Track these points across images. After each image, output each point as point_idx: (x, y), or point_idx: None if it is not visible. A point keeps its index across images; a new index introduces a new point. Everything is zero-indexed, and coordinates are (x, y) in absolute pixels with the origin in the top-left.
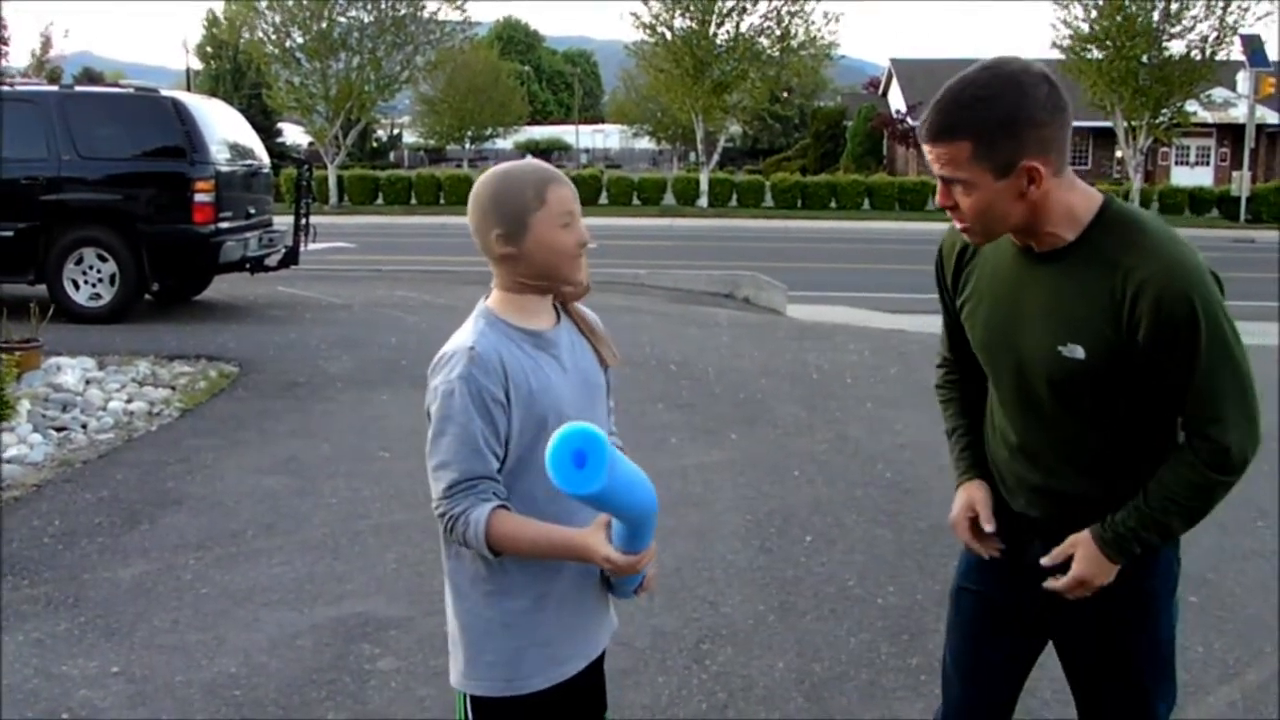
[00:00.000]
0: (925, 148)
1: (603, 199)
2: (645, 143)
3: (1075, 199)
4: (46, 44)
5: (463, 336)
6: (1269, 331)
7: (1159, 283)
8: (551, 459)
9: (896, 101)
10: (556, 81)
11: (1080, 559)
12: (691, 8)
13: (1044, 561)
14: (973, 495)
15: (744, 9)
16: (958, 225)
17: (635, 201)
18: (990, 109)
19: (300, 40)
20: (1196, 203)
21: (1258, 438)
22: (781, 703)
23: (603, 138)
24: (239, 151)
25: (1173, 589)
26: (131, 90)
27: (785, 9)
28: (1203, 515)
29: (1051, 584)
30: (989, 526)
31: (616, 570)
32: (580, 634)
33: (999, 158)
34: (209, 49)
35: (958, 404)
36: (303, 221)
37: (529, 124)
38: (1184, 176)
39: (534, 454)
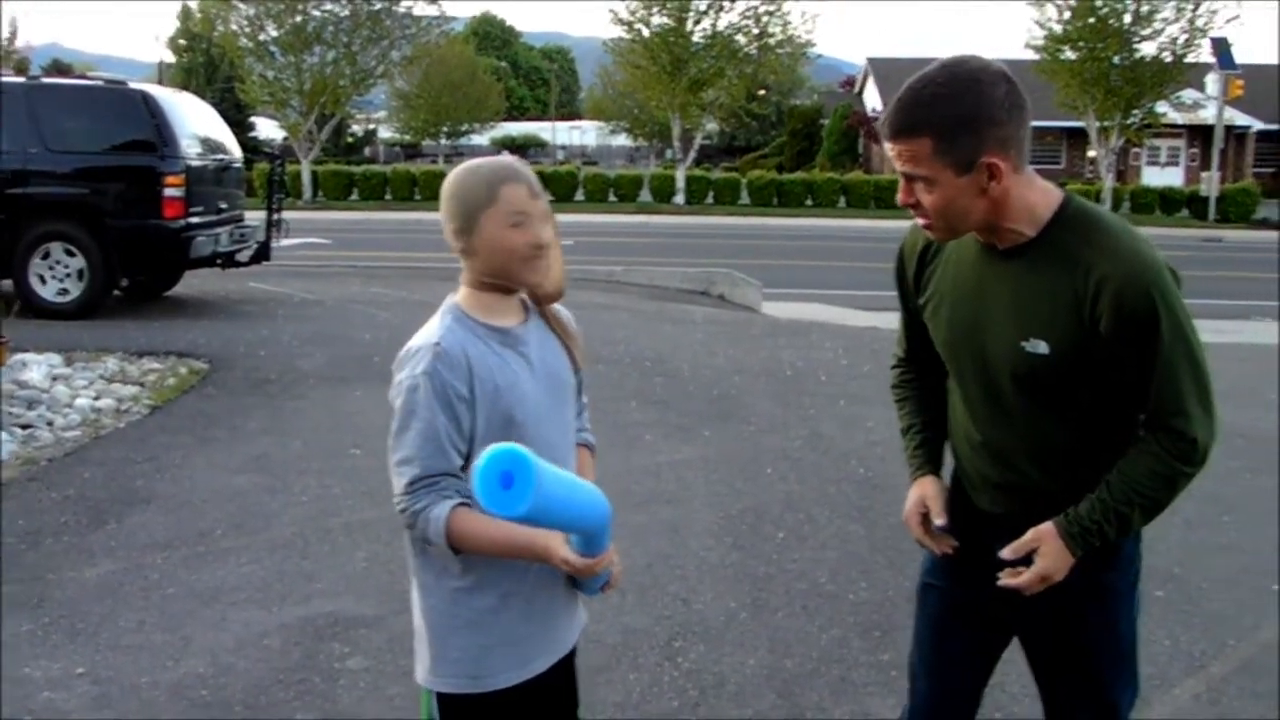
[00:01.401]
0: (887, 145)
1: (579, 195)
2: (622, 139)
3: (1035, 196)
4: (13, 34)
5: (429, 332)
6: (1240, 330)
7: (1120, 278)
8: (478, 481)
9: (872, 100)
10: (533, 77)
11: (1044, 554)
12: (669, 5)
13: (1005, 554)
14: (925, 491)
15: (721, 7)
16: (920, 223)
17: (611, 198)
18: (950, 106)
19: (274, 34)
20: (1167, 202)
21: (1216, 431)
22: (753, 699)
23: (580, 134)
24: (210, 146)
25: (1133, 582)
26: (101, 83)
27: (763, 8)
28: (1162, 508)
29: (1011, 581)
30: (939, 520)
31: (574, 572)
32: (547, 632)
33: (960, 154)
34: (182, 42)
35: (913, 402)
36: (275, 217)
37: (505, 120)
38: (1155, 176)
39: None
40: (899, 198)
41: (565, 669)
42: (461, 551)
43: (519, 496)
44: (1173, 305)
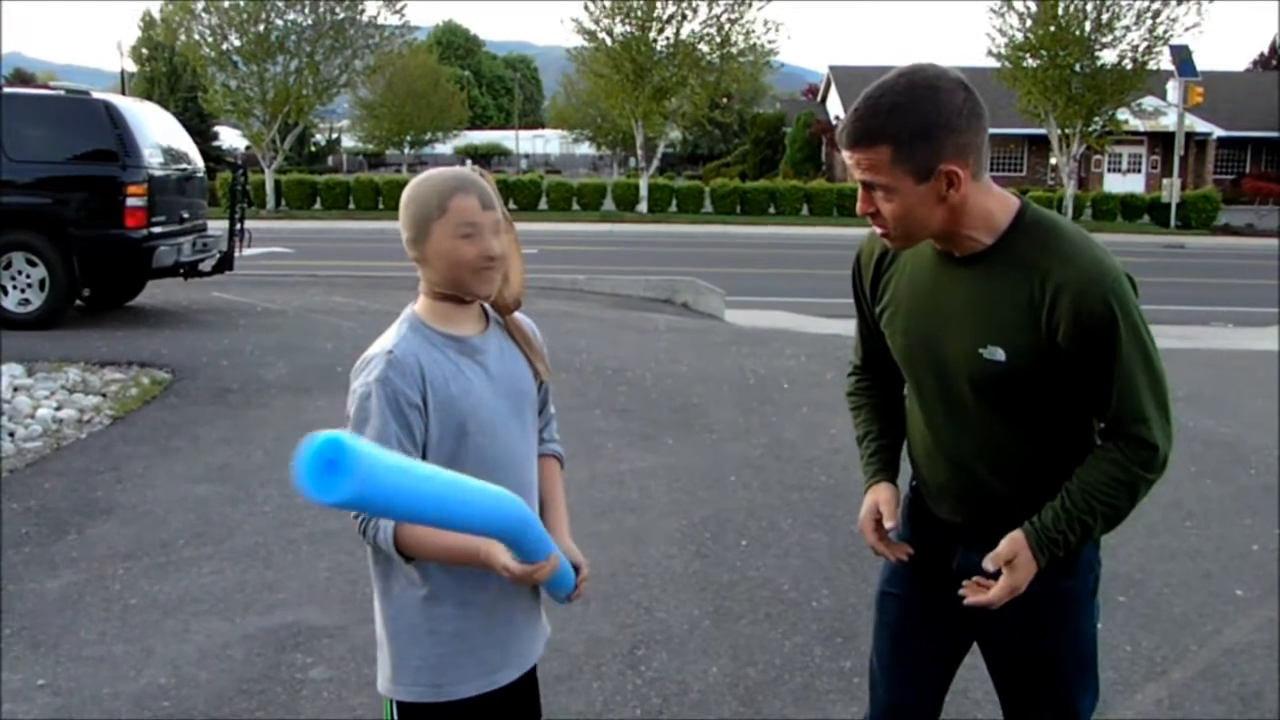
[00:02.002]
0: (845, 154)
1: (542, 204)
2: (585, 148)
3: (993, 204)
4: None
5: (385, 340)
6: (1200, 335)
7: (1077, 285)
8: (298, 466)
9: (835, 108)
10: (497, 86)
11: (1016, 565)
12: (632, 14)
13: (987, 565)
14: (879, 497)
15: (684, 16)
16: (879, 232)
17: (575, 207)
18: (908, 115)
19: (237, 43)
20: (1128, 209)
21: (1173, 438)
22: (716, 707)
23: (543, 143)
24: (173, 155)
25: (1093, 588)
26: (62, 92)
27: (725, 16)
28: (1123, 517)
29: (978, 597)
30: (889, 523)
31: (514, 579)
32: (511, 643)
33: (918, 162)
34: (145, 51)
35: (868, 410)
36: (238, 226)
37: (469, 129)
38: (1116, 183)
39: (456, 459)
40: (858, 207)
41: (528, 680)
42: (413, 558)
43: (337, 483)
44: (1130, 312)
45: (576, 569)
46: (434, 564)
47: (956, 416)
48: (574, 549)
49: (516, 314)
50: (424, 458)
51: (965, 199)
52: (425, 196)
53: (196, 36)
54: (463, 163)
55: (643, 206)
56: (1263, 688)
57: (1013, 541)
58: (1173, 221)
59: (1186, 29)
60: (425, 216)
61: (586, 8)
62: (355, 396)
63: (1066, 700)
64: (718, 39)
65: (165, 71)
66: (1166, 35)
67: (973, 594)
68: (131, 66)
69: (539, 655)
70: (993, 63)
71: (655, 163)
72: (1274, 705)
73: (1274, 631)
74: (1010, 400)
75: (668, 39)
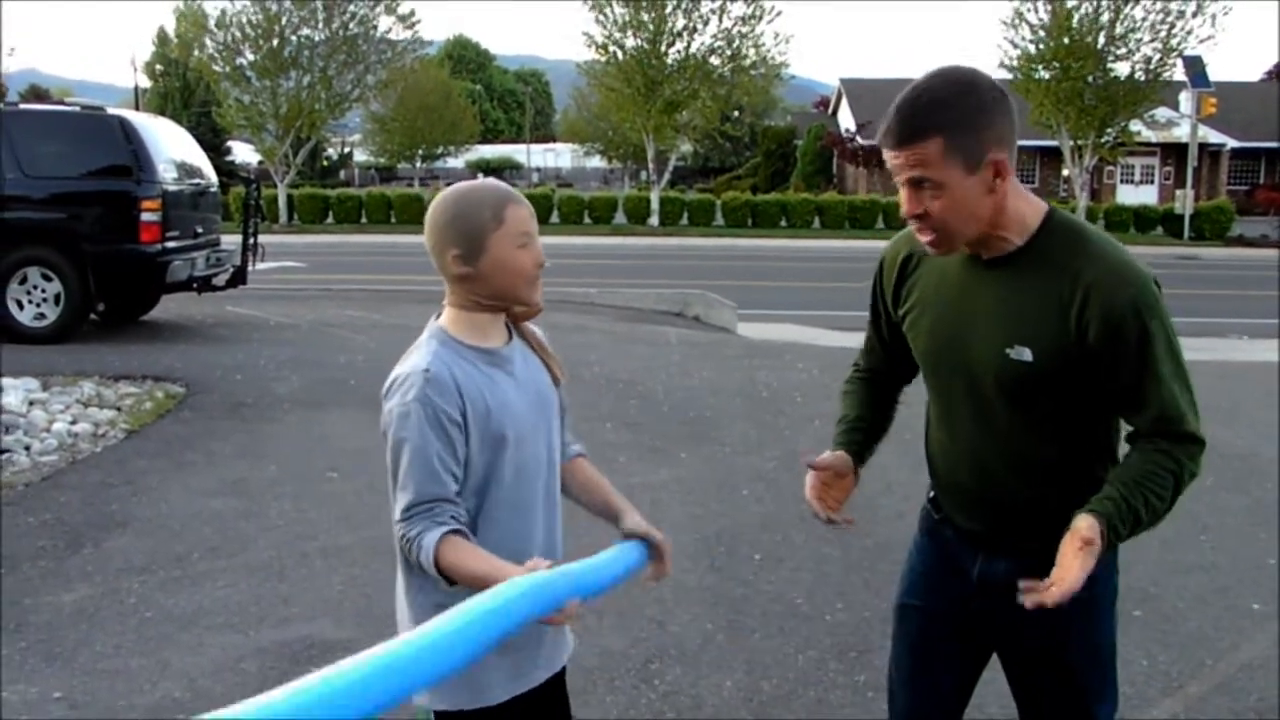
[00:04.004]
0: (892, 155)
1: (554, 218)
2: (597, 161)
3: (1024, 205)
4: None
5: (416, 358)
6: (1215, 347)
7: (1108, 286)
8: None
9: (846, 120)
10: (508, 100)
11: (1094, 547)
12: (643, 28)
13: (1070, 547)
14: (828, 457)
15: (695, 29)
16: (924, 237)
17: (586, 220)
18: (953, 108)
19: (251, 58)
20: (1141, 220)
21: (1202, 453)
22: None
23: (554, 156)
24: (186, 170)
25: (1113, 597)
26: (77, 109)
27: (736, 29)
28: (1165, 511)
29: (1047, 595)
30: (810, 458)
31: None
32: (542, 644)
33: (968, 153)
34: (158, 67)
35: (855, 396)
36: (251, 240)
37: (480, 142)
38: (1129, 195)
39: (494, 471)
40: (905, 209)
41: (558, 684)
42: (449, 576)
43: None
44: (1161, 315)
45: (650, 545)
46: None
47: (981, 419)
48: (642, 523)
49: (525, 322)
50: (466, 473)
51: (1005, 195)
52: (475, 210)
53: (210, 52)
54: (475, 177)
55: (654, 220)
56: (1277, 705)
57: (1090, 520)
58: (1186, 233)
59: (1200, 41)
60: (479, 229)
61: (598, 21)
62: (393, 417)
63: (1087, 710)
64: (728, 52)
65: (179, 87)
66: (1180, 47)
67: (1037, 596)
68: (145, 82)
69: (568, 656)
70: (1005, 75)
71: (667, 176)
72: None
73: None
74: (1036, 401)
75: (679, 52)
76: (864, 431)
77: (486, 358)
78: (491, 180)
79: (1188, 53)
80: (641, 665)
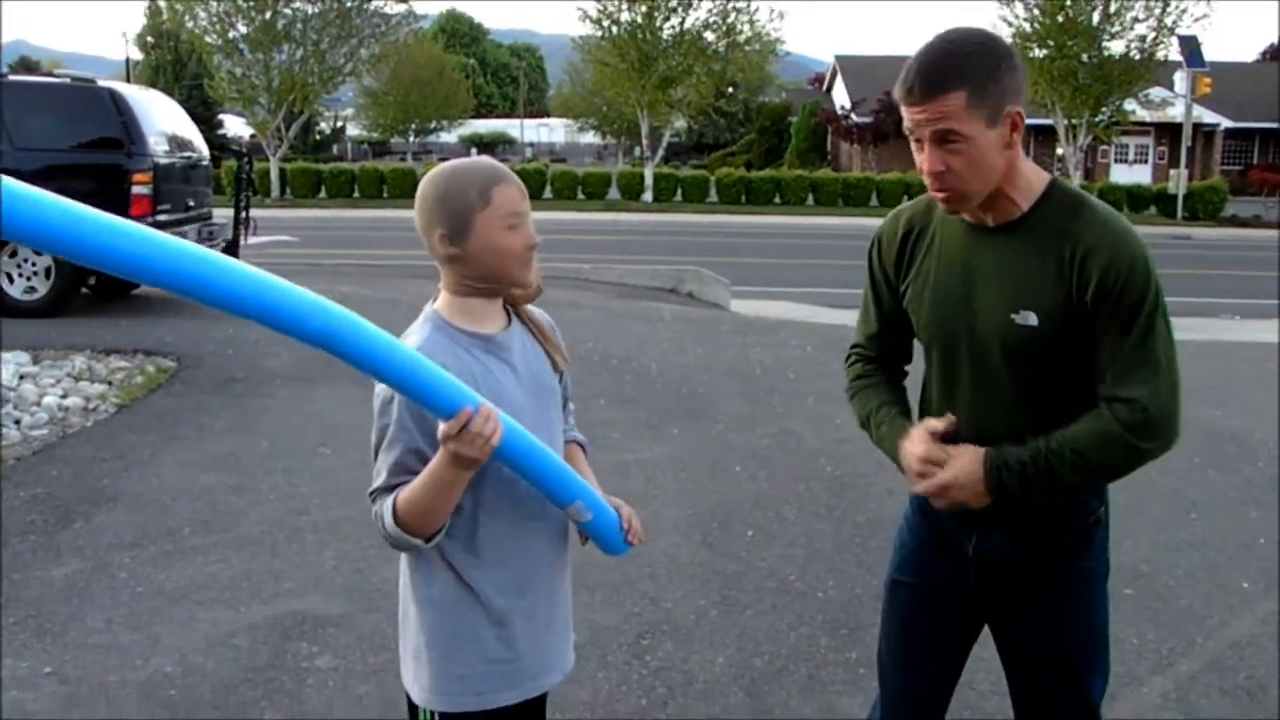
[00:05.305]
0: (915, 111)
1: (547, 193)
2: (590, 137)
3: (1028, 169)
4: None
5: (409, 342)
6: (1207, 327)
7: (1109, 246)
8: None
9: (841, 97)
10: (501, 75)
11: (958, 465)
12: (637, 2)
13: (936, 426)
14: (915, 433)
15: (690, 4)
16: (939, 195)
17: (580, 196)
18: (975, 61)
19: (244, 31)
20: (1135, 200)
21: (1174, 412)
22: (721, 697)
23: (548, 131)
24: (178, 143)
25: (1105, 572)
26: (68, 80)
27: (731, 5)
28: (1098, 473)
29: (922, 485)
30: (943, 424)
31: (449, 437)
32: (552, 649)
33: (991, 106)
34: (150, 39)
35: (880, 387)
36: (243, 215)
37: (473, 117)
38: (1123, 174)
39: (490, 461)
40: (926, 166)
41: (542, 703)
42: (410, 523)
43: None
44: (1154, 280)
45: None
46: (470, 566)
47: (984, 388)
48: (609, 497)
49: (531, 308)
50: None
51: (1016, 154)
52: (462, 189)
53: (203, 24)
54: (468, 152)
55: (648, 196)
56: (1268, 681)
57: (971, 449)
58: (1179, 213)
59: (1195, 19)
60: (466, 209)
61: None
62: (378, 400)
63: (1079, 685)
64: (723, 28)
65: (170, 59)
66: (1174, 26)
67: (915, 477)
68: (137, 54)
69: (570, 665)
70: None
71: (661, 152)
72: (1278, 699)
73: (1279, 625)
74: (1040, 367)
75: (673, 28)
76: (905, 414)
77: (482, 344)
78: (482, 159)
79: (1182, 32)
80: (633, 641)
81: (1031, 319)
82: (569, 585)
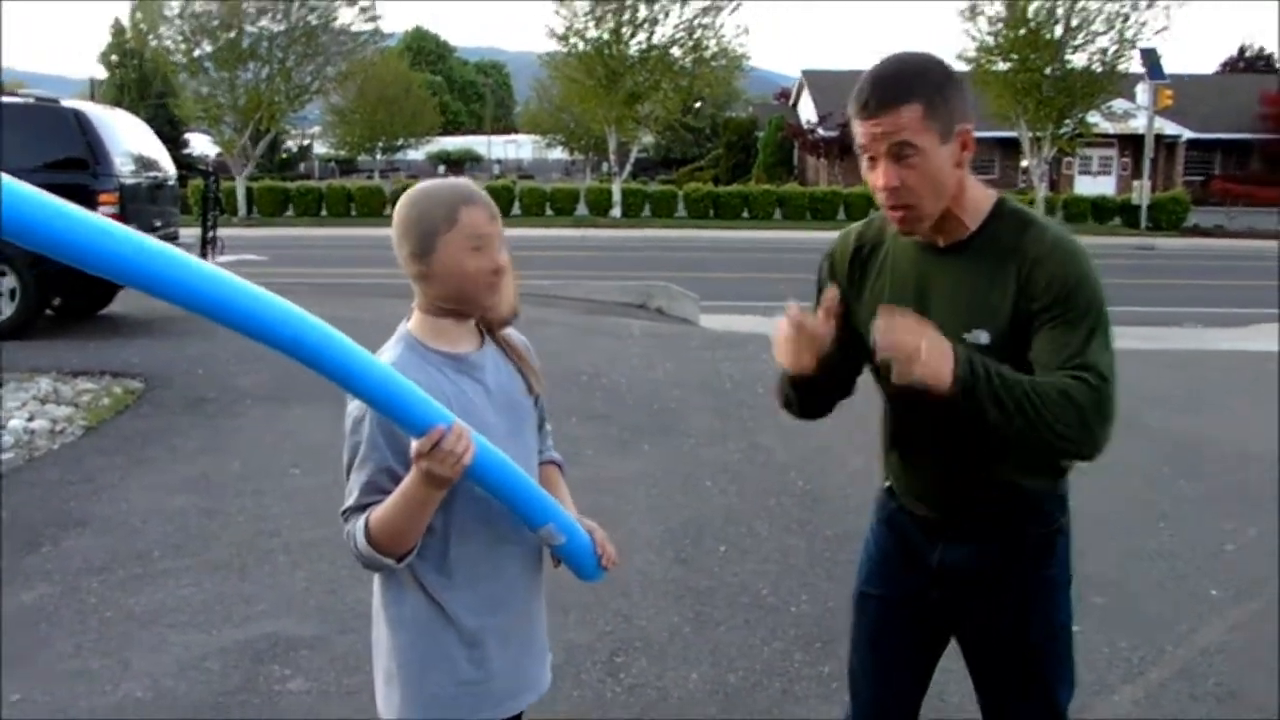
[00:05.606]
0: (870, 125)
1: (515, 209)
2: (558, 153)
3: (978, 190)
4: None
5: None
6: (1171, 336)
7: (1058, 261)
8: None
9: (807, 112)
10: (468, 92)
11: (934, 334)
12: (604, 18)
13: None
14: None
15: (656, 20)
16: (894, 214)
17: (548, 212)
18: (928, 76)
19: (209, 49)
20: (1099, 211)
21: (1112, 413)
22: (696, 713)
23: (516, 148)
24: (144, 163)
25: (1067, 580)
26: (31, 100)
27: (697, 20)
28: (1037, 426)
29: (882, 339)
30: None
31: (421, 455)
32: (528, 669)
33: (944, 121)
34: (114, 57)
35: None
36: (210, 234)
37: (441, 134)
38: (1087, 185)
39: (462, 480)
40: (881, 180)
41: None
42: (382, 542)
43: None
44: (1098, 298)
45: (593, 541)
46: (452, 590)
47: (939, 406)
48: (582, 520)
49: (508, 330)
50: None
51: (965, 174)
52: (430, 209)
53: (168, 43)
54: (436, 169)
55: (616, 211)
56: (1238, 687)
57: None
58: (1143, 223)
59: (1155, 32)
60: (431, 229)
61: (558, 13)
62: (349, 419)
63: (1045, 693)
64: (690, 43)
65: (135, 78)
66: (1135, 39)
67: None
68: (101, 73)
69: (546, 686)
70: (964, 66)
71: (629, 167)
72: (1250, 705)
73: (1249, 631)
74: None
75: (640, 44)
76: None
77: (454, 364)
78: (456, 180)
79: (1143, 45)
80: (607, 658)
81: (983, 337)
82: (544, 606)
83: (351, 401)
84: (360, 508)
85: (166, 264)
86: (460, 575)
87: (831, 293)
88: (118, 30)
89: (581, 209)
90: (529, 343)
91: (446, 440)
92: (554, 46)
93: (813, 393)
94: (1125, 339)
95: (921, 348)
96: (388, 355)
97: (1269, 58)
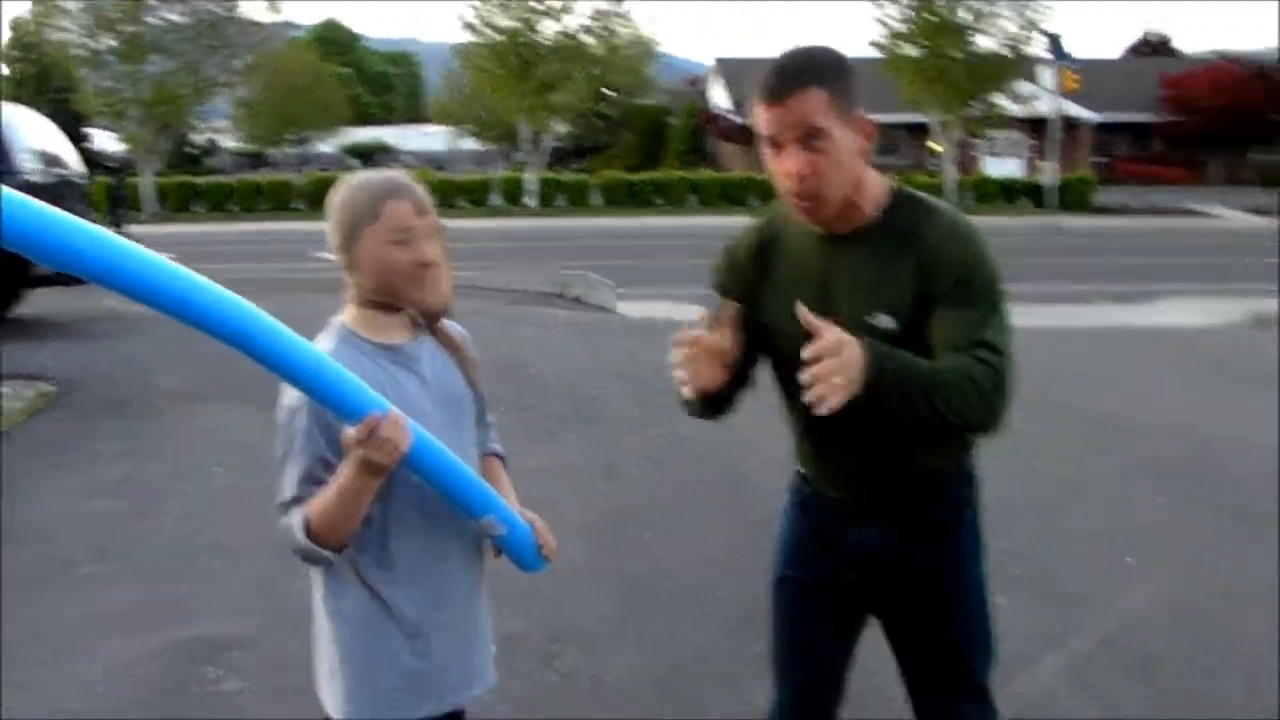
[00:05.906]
0: (777, 112)
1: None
2: (470, 144)
3: (874, 178)
4: None
5: None
6: (1083, 314)
7: (957, 243)
8: None
9: (720, 99)
10: (379, 83)
11: (846, 337)
12: (513, 7)
13: (810, 322)
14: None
15: (566, 9)
16: (801, 203)
17: (462, 203)
18: (827, 63)
19: (111, 43)
20: (1008, 192)
21: (1007, 407)
22: (631, 699)
23: (428, 139)
24: (49, 160)
25: (978, 550)
26: None
27: (611, 8)
28: (938, 407)
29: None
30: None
31: (355, 443)
32: (473, 660)
33: (844, 107)
34: (14, 52)
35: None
36: (119, 232)
37: (352, 125)
38: (995, 167)
39: (398, 471)
40: (793, 166)
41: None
42: (321, 533)
43: None
44: (997, 280)
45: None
46: (394, 583)
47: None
48: (523, 511)
49: (445, 322)
50: None
51: (863, 163)
52: (356, 201)
53: (68, 35)
54: (343, 161)
55: (530, 200)
56: (1159, 655)
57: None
58: (1050, 203)
59: (1059, 16)
60: (356, 221)
61: (472, 6)
62: (281, 411)
63: (963, 662)
64: (602, 32)
65: (34, 73)
66: (1040, 22)
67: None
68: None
69: (491, 679)
70: (874, 53)
71: (545, 157)
72: (1170, 671)
73: (1167, 601)
74: None
75: (552, 32)
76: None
77: (389, 355)
78: (387, 173)
79: (1047, 28)
80: (542, 647)
81: (888, 321)
82: (485, 599)
83: (285, 393)
84: (297, 500)
85: (113, 253)
86: (401, 568)
87: (729, 308)
88: (17, 24)
89: (495, 199)
90: (467, 334)
91: (383, 426)
92: (468, 37)
93: (718, 397)
94: (1035, 318)
95: (848, 381)
96: (322, 346)
97: (1168, 41)
